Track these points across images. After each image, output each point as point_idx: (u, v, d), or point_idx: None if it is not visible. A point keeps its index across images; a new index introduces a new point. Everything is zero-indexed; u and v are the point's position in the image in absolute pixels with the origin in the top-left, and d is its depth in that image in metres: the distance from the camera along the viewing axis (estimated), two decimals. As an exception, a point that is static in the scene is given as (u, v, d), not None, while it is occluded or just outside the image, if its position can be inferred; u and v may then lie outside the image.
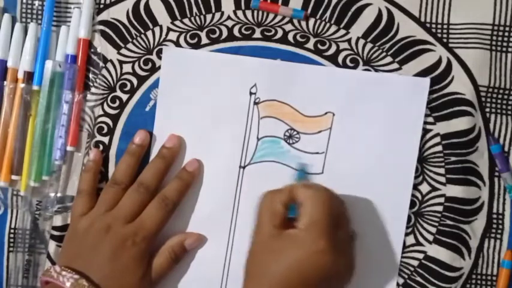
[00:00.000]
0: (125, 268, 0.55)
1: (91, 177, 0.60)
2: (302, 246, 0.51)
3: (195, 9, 0.60)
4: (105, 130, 0.61)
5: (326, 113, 0.59)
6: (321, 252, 0.51)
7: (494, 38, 0.59)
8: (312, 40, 0.60)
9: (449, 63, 0.59)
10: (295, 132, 0.60)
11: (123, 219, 0.56)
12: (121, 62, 0.61)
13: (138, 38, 0.61)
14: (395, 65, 0.60)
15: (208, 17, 0.60)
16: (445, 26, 0.59)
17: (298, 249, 0.51)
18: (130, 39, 0.61)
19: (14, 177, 0.60)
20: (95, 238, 0.56)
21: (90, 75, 0.61)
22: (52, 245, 0.61)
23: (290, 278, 0.51)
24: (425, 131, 0.59)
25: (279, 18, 0.60)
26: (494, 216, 0.60)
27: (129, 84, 0.61)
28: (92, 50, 0.61)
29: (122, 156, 0.60)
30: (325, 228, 0.51)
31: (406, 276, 0.60)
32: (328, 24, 0.60)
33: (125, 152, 0.60)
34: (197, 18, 0.60)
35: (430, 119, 0.59)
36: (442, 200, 0.60)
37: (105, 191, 0.59)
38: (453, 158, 0.59)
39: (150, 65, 0.61)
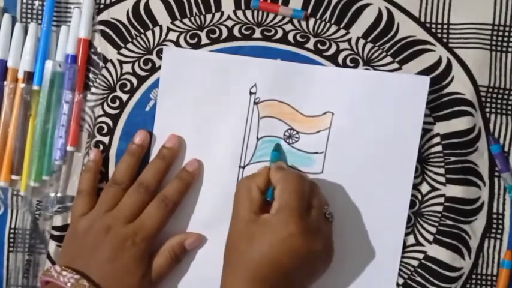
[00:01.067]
0: (125, 268, 0.55)
1: (91, 177, 0.60)
2: (274, 231, 0.52)
3: (195, 9, 0.60)
4: (105, 130, 0.61)
5: (325, 113, 0.59)
6: (292, 235, 0.51)
7: (494, 38, 0.59)
8: (312, 40, 0.60)
9: (449, 63, 0.59)
10: (294, 132, 0.60)
11: (123, 220, 0.56)
12: (121, 62, 0.61)
13: (138, 38, 0.61)
14: (395, 65, 0.60)
15: (208, 17, 0.60)
16: (445, 26, 0.59)
17: (270, 235, 0.52)
18: (130, 39, 0.61)
19: (14, 177, 0.60)
20: (95, 238, 0.56)
21: (90, 75, 0.61)
22: (52, 245, 0.61)
23: (264, 263, 0.51)
24: (425, 131, 0.59)
25: (279, 18, 0.60)
26: (494, 216, 0.60)
27: (129, 84, 0.61)
28: (92, 50, 0.61)
29: (122, 156, 0.60)
30: (295, 212, 0.52)
31: (406, 276, 0.60)
32: (328, 24, 0.60)
33: (125, 152, 0.60)
34: (197, 18, 0.60)
35: (430, 119, 0.59)
36: (442, 200, 0.60)
37: (105, 191, 0.59)
38: (453, 158, 0.59)
39: (150, 65, 0.61)
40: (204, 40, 0.60)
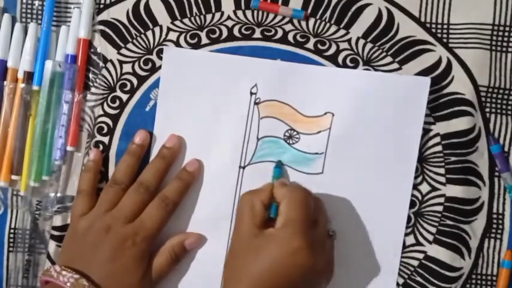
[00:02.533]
0: (125, 268, 0.55)
1: (91, 177, 0.60)
2: (278, 246, 0.52)
3: (195, 9, 0.60)
4: (105, 130, 0.61)
5: (325, 113, 0.59)
6: (297, 251, 0.51)
7: (494, 38, 0.59)
8: (312, 40, 0.60)
9: (449, 63, 0.59)
10: (295, 133, 0.60)
11: (123, 219, 0.56)
12: (121, 62, 0.61)
13: (138, 38, 0.61)
14: (395, 65, 0.60)
15: (208, 17, 0.60)
16: (445, 26, 0.59)
17: (275, 249, 0.52)
18: (130, 39, 0.61)
19: (14, 177, 0.60)
20: (95, 238, 0.56)
21: (90, 75, 0.61)
22: (52, 245, 0.61)
23: (267, 277, 0.51)
24: (425, 131, 0.59)
25: (279, 18, 0.60)
26: (494, 216, 0.60)
27: (129, 84, 0.61)
28: (92, 50, 0.61)
29: (122, 156, 0.60)
30: (300, 227, 0.52)
31: (406, 276, 0.60)
32: (328, 24, 0.60)
33: (125, 152, 0.60)
34: (197, 18, 0.60)
35: (430, 119, 0.59)
36: (442, 200, 0.60)
37: (105, 191, 0.59)
38: (453, 158, 0.59)
39: (150, 65, 0.61)
40: (204, 40, 0.60)
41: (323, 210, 0.56)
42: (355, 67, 0.60)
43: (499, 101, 0.60)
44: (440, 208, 0.60)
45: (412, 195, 0.59)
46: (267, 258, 0.52)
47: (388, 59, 0.60)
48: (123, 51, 0.61)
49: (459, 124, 0.59)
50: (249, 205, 0.54)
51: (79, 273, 0.54)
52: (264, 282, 0.51)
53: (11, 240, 0.62)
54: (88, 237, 0.56)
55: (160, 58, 0.60)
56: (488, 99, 0.60)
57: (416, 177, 0.59)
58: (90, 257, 0.55)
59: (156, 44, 0.61)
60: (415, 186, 0.59)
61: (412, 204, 0.60)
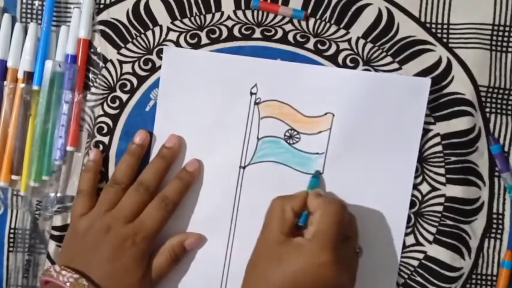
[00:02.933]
0: (124, 268, 0.55)
1: (91, 177, 0.60)
2: (305, 257, 0.51)
3: (195, 9, 0.60)
4: (105, 130, 0.61)
5: (326, 114, 0.59)
6: (323, 264, 0.50)
7: (494, 38, 0.59)
8: (312, 40, 0.60)
9: (449, 63, 0.59)
10: (295, 133, 0.60)
11: (123, 219, 0.56)
12: (121, 62, 0.61)
13: (138, 38, 0.61)
14: (395, 65, 0.60)
15: (208, 17, 0.60)
16: (445, 26, 0.59)
17: (301, 259, 0.51)
18: (130, 39, 0.61)
19: (14, 177, 0.60)
20: (95, 238, 0.56)
21: (90, 75, 0.61)
22: (52, 245, 0.61)
23: (288, 286, 0.50)
24: (425, 131, 0.59)
25: (279, 18, 0.60)
26: (494, 216, 0.60)
27: (129, 84, 0.61)
28: (92, 50, 0.61)
29: (122, 156, 0.59)
30: (331, 241, 0.51)
31: (406, 276, 0.60)
32: (328, 24, 0.60)
33: (125, 152, 0.60)
34: (197, 18, 0.60)
35: (430, 119, 0.59)
36: (442, 200, 0.60)
37: (105, 191, 0.59)
38: (453, 158, 0.59)
39: (150, 65, 0.61)
40: (204, 40, 0.60)
41: (355, 227, 0.55)
42: (355, 67, 0.60)
43: (499, 101, 0.60)
44: (440, 208, 0.60)
45: (412, 195, 0.59)
46: (291, 268, 0.51)
47: (388, 59, 0.60)
48: (123, 51, 0.61)
49: (459, 124, 0.59)
50: (280, 210, 0.53)
51: (79, 273, 0.54)
52: None
53: (11, 240, 0.62)
54: (88, 237, 0.56)
55: (160, 58, 0.60)
56: (488, 99, 0.60)
57: (416, 177, 0.59)
58: (90, 257, 0.55)
59: (156, 44, 0.61)
60: (415, 186, 0.59)
61: (412, 204, 0.60)
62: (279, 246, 0.52)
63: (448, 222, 0.59)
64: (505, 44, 0.59)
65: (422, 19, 0.59)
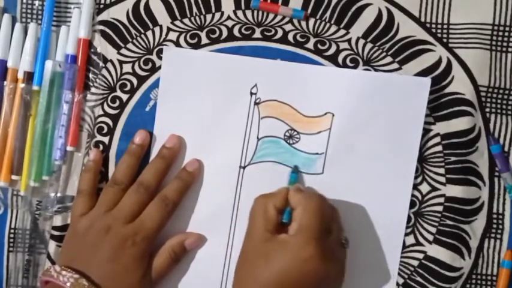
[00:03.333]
0: (125, 268, 0.55)
1: (91, 177, 0.60)
2: (290, 253, 0.51)
3: (195, 9, 0.60)
4: (105, 130, 0.61)
5: (326, 114, 0.59)
6: (309, 258, 0.51)
7: (494, 38, 0.59)
8: (312, 40, 0.60)
9: (449, 63, 0.59)
10: (295, 133, 0.60)
11: (123, 220, 0.56)
12: (121, 62, 0.61)
13: (138, 38, 0.61)
14: (395, 65, 0.60)
15: (208, 17, 0.60)
16: (445, 26, 0.59)
17: (287, 256, 0.51)
18: (130, 39, 0.61)
19: (14, 177, 0.60)
20: (95, 238, 0.56)
21: (90, 75, 0.61)
22: (52, 245, 0.61)
23: (279, 284, 0.51)
24: (425, 131, 0.59)
25: (279, 18, 0.60)
26: (494, 216, 0.60)
27: (129, 84, 0.61)
28: (92, 50, 0.61)
29: (122, 156, 0.59)
30: (314, 235, 0.51)
31: (406, 276, 0.60)
32: (328, 24, 0.60)
33: (125, 152, 0.59)
34: (197, 18, 0.60)
35: (430, 119, 0.59)
36: (442, 200, 0.60)
37: (105, 191, 0.59)
38: (453, 158, 0.59)
39: (150, 65, 0.61)
40: (204, 40, 0.60)
41: (337, 219, 0.56)
42: (355, 67, 0.60)
43: (499, 101, 0.60)
44: (440, 208, 0.60)
45: (412, 195, 0.59)
46: (277, 265, 0.51)
47: (388, 59, 0.60)
48: (123, 51, 0.61)
49: (459, 124, 0.59)
50: (262, 209, 0.54)
51: (79, 273, 0.54)
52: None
53: (11, 240, 0.62)
54: (88, 237, 0.56)
55: (160, 58, 0.60)
56: (488, 99, 0.60)
57: (416, 177, 0.59)
58: (90, 257, 0.55)
59: (156, 44, 0.61)
60: (415, 186, 0.59)
61: (412, 204, 0.60)
62: (265, 244, 0.52)
63: (448, 222, 0.59)
64: (505, 44, 0.59)
65: (422, 19, 0.59)
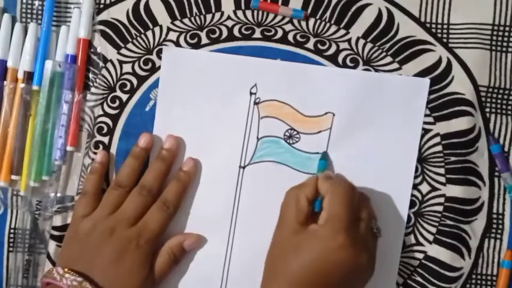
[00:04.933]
0: (128, 270, 0.55)
1: (96, 179, 0.59)
2: (320, 243, 0.51)
3: (195, 9, 0.60)
4: (105, 130, 0.61)
5: (326, 113, 0.59)
6: (340, 247, 0.50)
7: (494, 38, 0.59)
8: (312, 40, 0.60)
9: (449, 63, 0.59)
10: (295, 132, 0.60)
11: (127, 222, 0.56)
12: (121, 62, 0.61)
13: (138, 38, 0.61)
14: (395, 65, 0.60)
15: (208, 17, 0.60)
16: (445, 26, 0.59)
17: (317, 246, 0.51)
18: (130, 39, 0.61)
19: (14, 177, 0.60)
20: (98, 240, 0.56)
21: (90, 75, 0.61)
22: (52, 245, 0.61)
23: (310, 274, 0.51)
24: (425, 131, 0.59)
25: (279, 18, 0.60)
26: (494, 216, 0.60)
27: (129, 84, 0.61)
28: (92, 50, 0.61)
29: (126, 158, 0.59)
30: (343, 223, 0.51)
31: (406, 276, 0.60)
32: (328, 24, 0.60)
33: (129, 155, 0.59)
34: (197, 18, 0.60)
35: (430, 119, 0.59)
36: (442, 200, 0.60)
37: (109, 194, 0.58)
38: (453, 158, 0.59)
39: (150, 65, 0.61)
40: (204, 40, 0.60)
41: (367, 207, 0.55)
42: (355, 67, 0.60)
43: (499, 101, 0.60)
44: (440, 208, 0.60)
45: (412, 195, 0.59)
46: (308, 255, 0.51)
47: (388, 59, 0.60)
48: (123, 51, 0.61)
49: (459, 124, 0.59)
50: (294, 200, 0.54)
51: (82, 275, 0.54)
52: (305, 279, 0.51)
53: (11, 240, 0.62)
54: (91, 238, 0.56)
55: (160, 58, 0.60)
56: (488, 99, 0.60)
57: (416, 177, 0.60)
58: (92, 259, 0.55)
59: (156, 44, 0.61)
60: (415, 186, 0.59)
61: (412, 204, 0.60)
62: (296, 235, 0.52)
63: (448, 222, 0.59)
64: (505, 44, 0.59)
65: (422, 19, 0.59)
